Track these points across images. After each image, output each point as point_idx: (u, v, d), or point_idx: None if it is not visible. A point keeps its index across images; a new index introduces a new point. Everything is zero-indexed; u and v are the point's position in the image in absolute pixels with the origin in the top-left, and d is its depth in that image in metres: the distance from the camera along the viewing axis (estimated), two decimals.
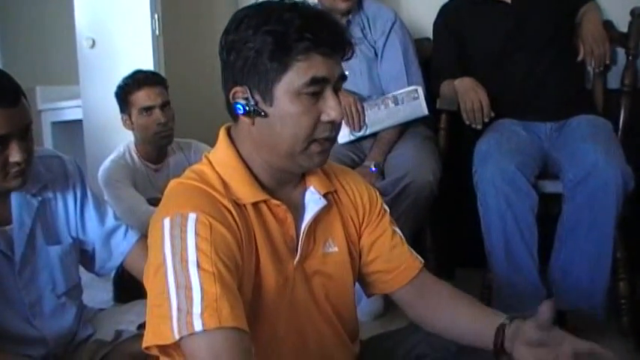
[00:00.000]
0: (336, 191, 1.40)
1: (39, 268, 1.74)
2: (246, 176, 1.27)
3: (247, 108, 1.22)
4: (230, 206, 1.22)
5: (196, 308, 1.05)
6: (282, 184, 1.32)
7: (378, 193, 1.50)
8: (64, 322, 1.79)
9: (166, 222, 1.16)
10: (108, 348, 1.79)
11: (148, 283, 1.16)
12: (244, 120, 1.25)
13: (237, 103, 1.24)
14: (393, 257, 1.43)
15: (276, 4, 1.21)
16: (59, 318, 1.78)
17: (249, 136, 1.27)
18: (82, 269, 1.94)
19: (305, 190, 1.35)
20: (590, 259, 2.23)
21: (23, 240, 1.70)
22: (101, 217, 1.89)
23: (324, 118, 1.21)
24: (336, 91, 1.24)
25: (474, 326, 1.35)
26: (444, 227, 2.93)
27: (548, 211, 2.33)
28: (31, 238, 1.73)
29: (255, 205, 1.27)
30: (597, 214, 2.19)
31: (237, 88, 1.23)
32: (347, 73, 2.82)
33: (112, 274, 2.19)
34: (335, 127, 1.24)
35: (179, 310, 1.06)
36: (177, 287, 1.08)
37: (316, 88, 1.19)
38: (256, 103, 1.21)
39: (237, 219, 1.21)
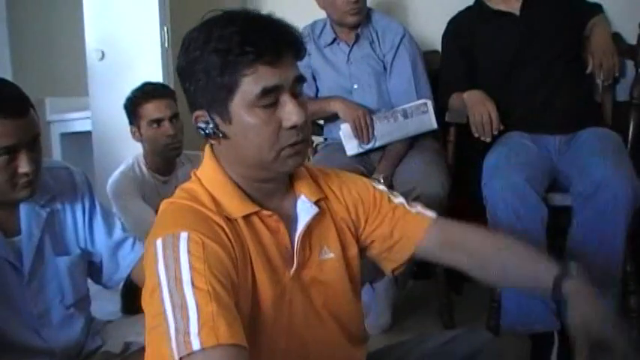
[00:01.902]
0: (327, 197, 1.40)
1: (47, 279, 1.74)
2: (234, 190, 1.27)
3: (207, 131, 1.24)
4: (222, 222, 1.22)
5: (193, 327, 1.05)
6: (269, 194, 1.32)
7: (366, 180, 1.50)
8: (72, 334, 1.78)
9: (159, 243, 1.16)
10: None
11: (146, 305, 1.17)
12: (212, 142, 1.28)
13: (199, 127, 1.25)
14: (399, 228, 1.43)
15: (217, 20, 1.21)
16: (67, 329, 1.77)
17: (221, 154, 1.30)
18: (89, 281, 1.94)
19: (296, 199, 1.35)
20: (600, 273, 2.21)
21: (32, 251, 1.70)
22: (109, 228, 1.89)
23: (286, 124, 1.21)
24: (295, 94, 1.23)
25: (528, 278, 1.38)
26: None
27: (558, 224, 2.31)
28: (40, 249, 1.72)
29: (246, 218, 1.27)
30: (607, 228, 2.18)
31: (198, 112, 1.25)
32: (356, 86, 2.84)
33: (120, 285, 2.18)
34: (301, 129, 1.23)
35: (177, 330, 1.06)
36: (174, 307, 1.08)
37: (270, 98, 1.19)
38: (216, 126, 1.23)
39: (229, 235, 1.21)
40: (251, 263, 1.24)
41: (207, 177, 1.30)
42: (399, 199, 1.48)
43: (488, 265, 1.40)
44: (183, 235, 1.15)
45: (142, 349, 1.76)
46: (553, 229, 2.29)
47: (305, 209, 1.33)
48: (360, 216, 1.43)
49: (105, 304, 2.60)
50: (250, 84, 1.17)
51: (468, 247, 1.42)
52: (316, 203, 1.35)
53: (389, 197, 1.47)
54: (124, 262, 1.89)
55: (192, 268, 1.11)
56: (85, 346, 1.83)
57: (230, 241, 1.20)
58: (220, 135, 1.23)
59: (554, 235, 2.30)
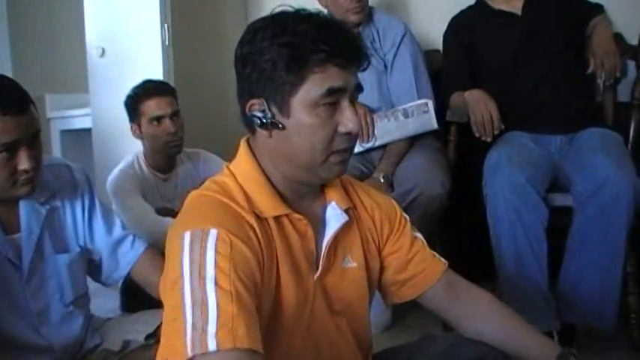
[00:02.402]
0: (355, 207, 1.40)
1: (47, 277, 1.74)
2: (267, 189, 1.27)
3: (264, 120, 1.22)
4: (252, 221, 1.21)
5: (211, 327, 1.04)
6: (301, 196, 1.32)
7: (395, 203, 1.50)
8: (72, 331, 1.78)
9: (187, 236, 1.15)
10: (115, 358, 1.78)
11: (165, 296, 1.16)
12: (262, 132, 1.25)
13: (253, 115, 1.24)
14: (415, 262, 1.44)
15: (290, 16, 1.21)
16: (67, 327, 1.77)
17: (266, 148, 1.27)
18: (89, 279, 1.93)
19: (325, 204, 1.35)
20: (601, 273, 2.21)
21: (31, 248, 1.70)
22: (109, 226, 1.89)
23: (342, 129, 1.21)
24: (353, 102, 1.23)
25: (528, 349, 1.40)
26: (453, 240, 2.92)
27: (559, 224, 2.31)
28: (39, 247, 1.73)
29: (276, 218, 1.26)
30: (608, 228, 2.18)
31: (254, 101, 1.23)
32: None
33: (119, 283, 2.18)
34: (352, 138, 1.24)
35: (194, 327, 1.05)
36: (193, 304, 1.07)
37: (333, 98, 1.19)
38: (273, 116, 1.21)
39: (259, 234, 1.21)
40: (277, 264, 1.24)
41: (242, 172, 1.29)
42: (419, 234, 1.49)
43: (490, 330, 1.43)
44: (213, 232, 1.14)
45: (141, 347, 1.78)
46: (554, 229, 2.29)
47: (335, 216, 1.33)
48: (385, 232, 1.44)
49: (104, 302, 2.60)
50: (317, 82, 1.18)
51: (474, 307, 1.45)
52: (345, 211, 1.35)
53: (411, 226, 1.48)
54: (124, 260, 1.89)
55: (217, 266, 1.11)
56: (84, 343, 1.83)
57: (259, 241, 1.20)
58: (279, 126, 1.21)
59: (555, 235, 2.30)
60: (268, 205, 1.25)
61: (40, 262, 1.72)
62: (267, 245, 1.22)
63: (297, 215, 1.28)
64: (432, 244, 2.15)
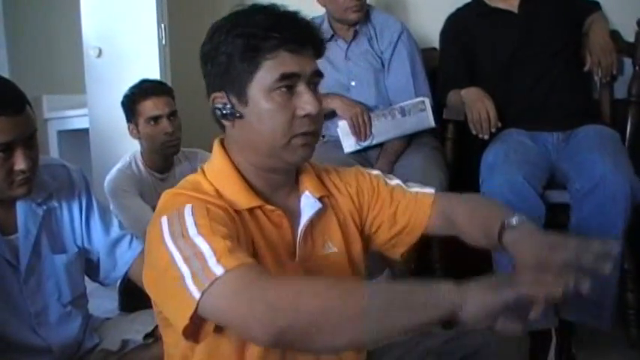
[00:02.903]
0: (331, 194, 1.42)
1: (44, 277, 1.74)
2: (239, 183, 1.29)
3: (224, 111, 1.27)
4: (229, 209, 1.23)
5: (211, 260, 1.05)
6: (275, 188, 1.34)
7: (360, 168, 1.53)
8: (70, 332, 1.78)
9: (164, 220, 1.16)
10: (114, 358, 1.79)
11: (159, 282, 1.15)
12: (226, 124, 1.29)
13: (216, 107, 1.28)
14: (401, 212, 1.45)
15: (245, 10, 1.27)
16: (65, 327, 1.77)
17: (233, 140, 1.31)
18: (86, 278, 1.93)
19: (300, 195, 1.37)
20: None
21: (29, 249, 1.70)
22: (106, 226, 1.89)
23: (300, 112, 1.24)
24: (311, 87, 1.26)
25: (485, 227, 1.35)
26: (451, 239, 2.92)
27: (556, 221, 2.31)
28: (37, 247, 1.73)
29: (251, 211, 1.28)
30: (605, 225, 2.18)
31: (216, 94, 1.28)
32: (353, 83, 2.84)
33: (118, 282, 2.18)
34: (313, 120, 1.26)
35: (193, 273, 1.05)
36: (185, 259, 1.07)
37: (287, 82, 1.22)
38: (233, 106, 1.26)
39: (235, 220, 1.22)
40: (256, 251, 1.25)
41: (213, 169, 1.32)
42: (395, 181, 1.51)
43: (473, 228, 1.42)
44: (188, 207, 1.16)
45: (140, 347, 1.78)
46: (551, 226, 2.29)
47: (309, 204, 1.35)
48: (363, 204, 1.45)
49: (102, 302, 2.59)
50: (270, 68, 1.21)
51: (461, 219, 1.45)
52: (320, 199, 1.37)
53: (385, 181, 1.50)
54: (122, 260, 1.90)
55: (197, 224, 1.12)
56: (82, 343, 1.84)
57: (235, 225, 1.21)
58: (237, 115, 1.25)
59: (553, 232, 2.29)
60: (240, 198, 1.27)
61: (38, 262, 1.73)
62: (244, 234, 1.23)
63: (270, 207, 1.30)
64: (428, 242, 2.15)
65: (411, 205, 1.46)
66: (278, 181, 1.34)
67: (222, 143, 1.35)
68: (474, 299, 0.95)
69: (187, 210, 1.16)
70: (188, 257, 1.07)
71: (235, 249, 1.08)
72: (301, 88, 1.24)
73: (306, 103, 1.23)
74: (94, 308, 1.99)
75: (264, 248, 1.27)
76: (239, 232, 1.21)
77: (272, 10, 1.25)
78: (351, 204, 1.44)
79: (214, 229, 1.11)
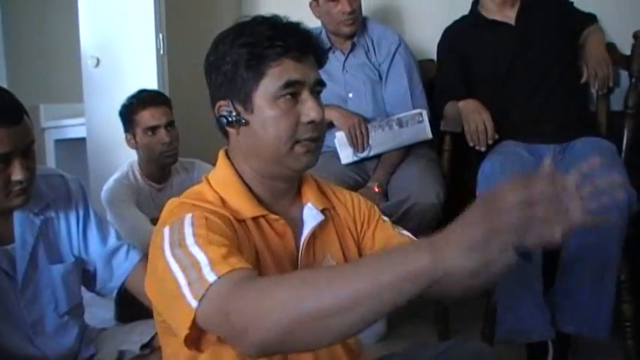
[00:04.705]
0: (333, 207, 1.43)
1: (41, 287, 1.74)
2: (243, 192, 1.30)
3: (230, 119, 1.28)
4: (231, 218, 1.24)
5: (205, 268, 1.05)
6: (278, 196, 1.35)
7: (376, 208, 1.51)
8: (66, 342, 1.78)
9: (166, 229, 1.18)
10: None
11: (160, 290, 1.16)
12: (231, 132, 1.31)
13: (221, 115, 1.30)
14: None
15: (248, 21, 1.29)
16: (61, 337, 1.77)
17: (238, 148, 1.32)
18: (83, 288, 1.93)
19: (302, 206, 1.37)
20: (595, 282, 2.21)
21: (25, 259, 1.70)
22: (103, 236, 1.89)
23: (304, 119, 1.25)
24: (314, 94, 1.28)
25: None
26: None
27: None
28: (34, 257, 1.73)
29: (254, 220, 1.29)
30: (602, 237, 2.18)
31: (221, 102, 1.30)
32: (351, 95, 2.84)
33: (114, 293, 2.18)
34: (317, 127, 1.28)
35: (190, 283, 1.06)
36: (183, 268, 1.08)
37: (292, 89, 1.24)
38: (238, 113, 1.28)
39: (237, 229, 1.23)
40: (259, 260, 1.26)
41: (218, 179, 1.33)
42: (405, 231, 1.49)
43: None
44: (188, 216, 1.18)
45: (137, 358, 1.78)
46: None
47: (312, 216, 1.35)
48: (363, 225, 1.45)
49: (98, 312, 2.59)
50: (275, 76, 1.24)
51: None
52: (322, 212, 1.37)
53: (392, 226, 1.49)
54: (119, 270, 1.89)
55: (195, 234, 1.13)
56: (78, 354, 1.83)
57: (237, 235, 1.21)
58: (243, 122, 1.27)
59: None
60: (244, 207, 1.28)
61: (35, 272, 1.72)
62: (247, 243, 1.24)
63: (273, 216, 1.31)
64: None
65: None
66: (281, 189, 1.35)
67: (226, 153, 1.37)
68: (454, 234, 0.93)
69: (187, 220, 1.17)
70: (185, 267, 1.08)
71: (230, 255, 1.08)
72: (305, 95, 1.26)
73: (310, 109, 1.25)
74: (89, 318, 1.99)
75: (267, 257, 1.28)
76: (242, 241, 1.22)
77: (275, 20, 1.28)
78: (352, 222, 1.44)
79: (211, 238, 1.12)
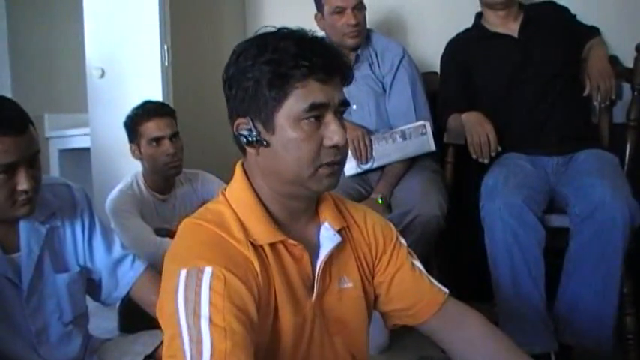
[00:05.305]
0: (348, 227, 1.40)
1: (46, 296, 1.74)
2: (262, 215, 1.27)
3: (250, 138, 1.24)
4: (248, 252, 1.22)
5: (205, 355, 1.05)
6: (295, 216, 1.33)
7: (392, 226, 1.50)
8: (70, 351, 1.78)
9: (182, 273, 1.16)
10: None
11: (164, 326, 1.17)
12: (250, 151, 1.27)
13: (240, 134, 1.25)
14: (413, 292, 1.43)
15: (271, 34, 1.23)
16: (65, 346, 1.77)
17: (257, 167, 1.29)
18: (87, 298, 1.94)
19: (319, 226, 1.35)
20: (597, 294, 2.21)
21: (31, 267, 1.70)
22: (108, 245, 1.89)
23: (327, 143, 1.22)
24: (338, 116, 1.24)
25: None
26: (450, 261, 2.92)
27: (555, 245, 2.31)
28: (39, 266, 1.73)
29: (272, 245, 1.27)
30: (604, 249, 2.18)
31: (240, 120, 1.25)
32: (355, 107, 2.85)
33: (118, 302, 2.18)
34: (340, 151, 1.24)
35: (191, 356, 1.06)
36: (190, 341, 1.08)
37: (316, 112, 1.20)
38: (259, 133, 1.23)
39: (255, 266, 1.21)
40: (275, 293, 1.25)
41: (236, 197, 1.30)
42: (417, 262, 1.48)
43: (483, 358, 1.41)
44: (208, 270, 1.15)
45: None
46: (550, 250, 2.30)
47: (328, 237, 1.33)
48: (379, 251, 1.44)
49: (102, 321, 2.59)
50: (299, 97, 1.19)
51: (468, 333, 1.43)
52: (338, 232, 1.35)
53: (409, 253, 1.48)
54: (124, 280, 1.90)
55: (211, 303, 1.11)
56: None
57: (255, 272, 1.21)
58: (264, 143, 1.23)
59: (552, 256, 2.30)
60: (263, 233, 1.26)
61: (40, 281, 1.73)
62: (264, 272, 1.23)
63: (292, 241, 1.28)
64: (429, 265, 2.16)
65: (426, 292, 1.45)
66: (299, 209, 1.33)
67: (243, 167, 1.34)
68: None
69: (206, 277, 1.14)
70: (191, 340, 1.08)
71: (233, 354, 1.07)
72: (329, 118, 1.22)
73: (334, 133, 1.21)
74: (93, 327, 1.99)
75: (283, 285, 1.26)
76: (259, 277, 1.21)
77: (300, 36, 1.23)
78: (366, 247, 1.43)
79: (225, 317, 1.10)
